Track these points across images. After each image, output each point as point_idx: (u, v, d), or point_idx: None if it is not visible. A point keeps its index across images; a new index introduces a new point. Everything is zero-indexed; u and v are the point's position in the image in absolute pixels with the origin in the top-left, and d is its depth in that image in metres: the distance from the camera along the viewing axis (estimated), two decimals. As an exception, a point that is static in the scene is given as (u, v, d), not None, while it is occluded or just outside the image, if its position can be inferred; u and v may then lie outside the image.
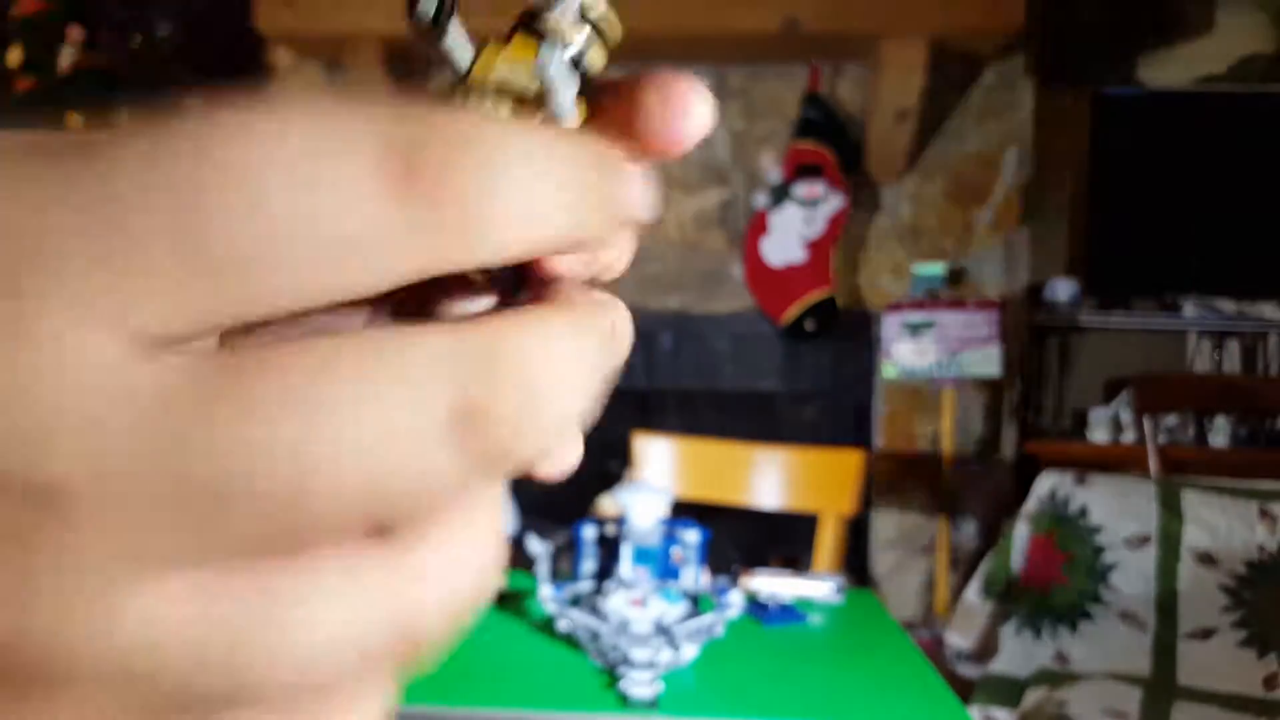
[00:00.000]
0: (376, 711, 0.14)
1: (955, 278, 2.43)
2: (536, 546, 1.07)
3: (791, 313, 2.37)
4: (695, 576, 0.99)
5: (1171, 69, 2.67)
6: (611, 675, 0.87)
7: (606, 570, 0.99)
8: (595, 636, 0.88)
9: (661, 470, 1.52)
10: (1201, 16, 2.67)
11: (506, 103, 0.18)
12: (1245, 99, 2.56)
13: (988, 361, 2.28)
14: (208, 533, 0.11)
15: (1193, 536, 1.69)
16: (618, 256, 0.20)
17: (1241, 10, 2.66)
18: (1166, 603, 1.67)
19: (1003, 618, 1.77)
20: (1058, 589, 1.73)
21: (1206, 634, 1.64)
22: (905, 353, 2.33)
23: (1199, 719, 1.45)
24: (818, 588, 1.14)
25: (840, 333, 2.43)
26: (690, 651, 0.89)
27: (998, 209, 2.42)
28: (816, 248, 2.37)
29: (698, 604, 0.95)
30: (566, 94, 0.18)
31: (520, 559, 1.15)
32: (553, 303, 0.15)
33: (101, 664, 0.12)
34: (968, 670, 1.84)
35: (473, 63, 0.18)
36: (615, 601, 0.89)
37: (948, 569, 2.37)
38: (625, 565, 0.95)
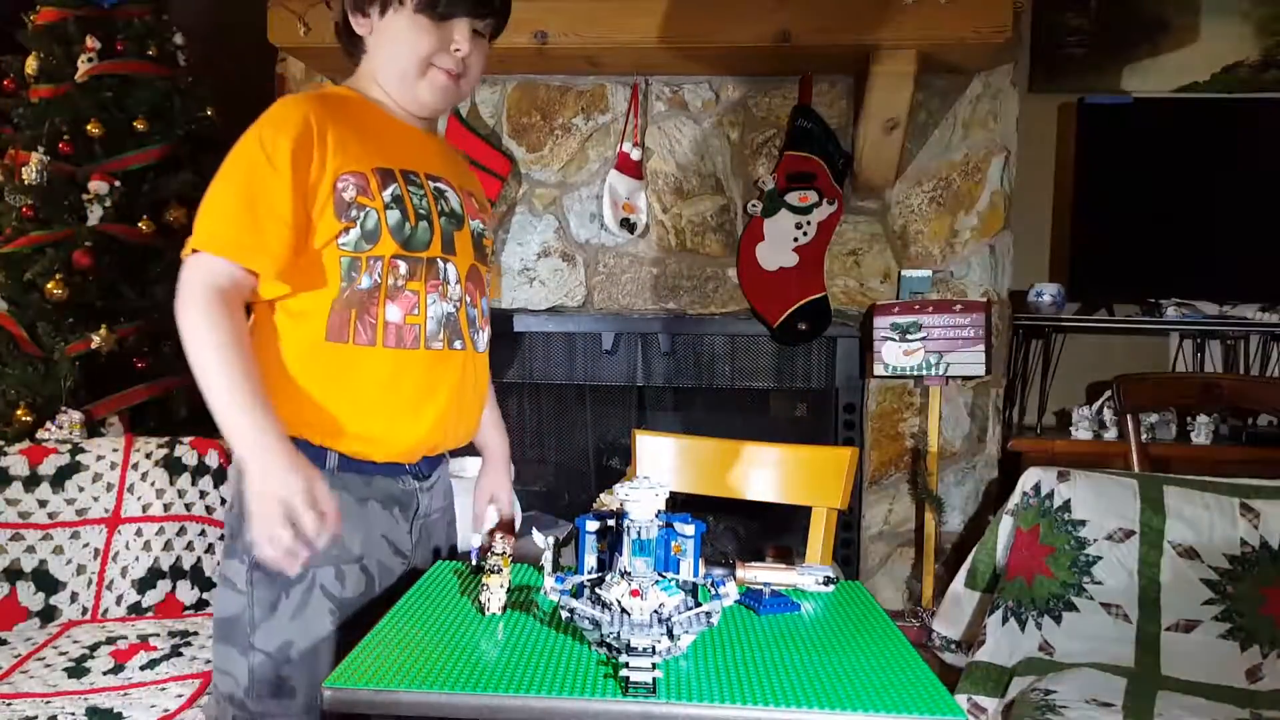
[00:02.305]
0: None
1: (942, 281, 2.47)
2: (540, 540, 1.09)
3: (785, 315, 2.41)
4: (692, 568, 1.00)
5: (1156, 77, 2.71)
6: (612, 663, 0.89)
7: (607, 562, 1.00)
8: (596, 625, 0.89)
9: (660, 466, 1.55)
10: (1186, 25, 2.70)
11: (496, 575, 1.03)
12: (1228, 106, 2.59)
13: (973, 362, 2.32)
14: None
15: (1175, 531, 1.70)
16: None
17: (1225, 19, 2.69)
18: (1149, 595, 1.68)
19: (988, 609, 1.79)
20: (1042, 581, 1.75)
21: (1189, 626, 1.65)
22: (894, 353, 2.37)
23: (1183, 709, 1.47)
24: (809, 579, 1.17)
25: (831, 334, 2.47)
26: (687, 640, 0.90)
27: (984, 214, 2.46)
28: (809, 253, 2.41)
29: (695, 594, 0.96)
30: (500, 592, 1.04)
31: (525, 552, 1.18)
32: None
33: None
34: (954, 659, 1.86)
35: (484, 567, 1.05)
36: (615, 592, 0.90)
37: (934, 561, 2.41)
38: (625, 557, 0.95)
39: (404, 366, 1.12)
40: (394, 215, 1.11)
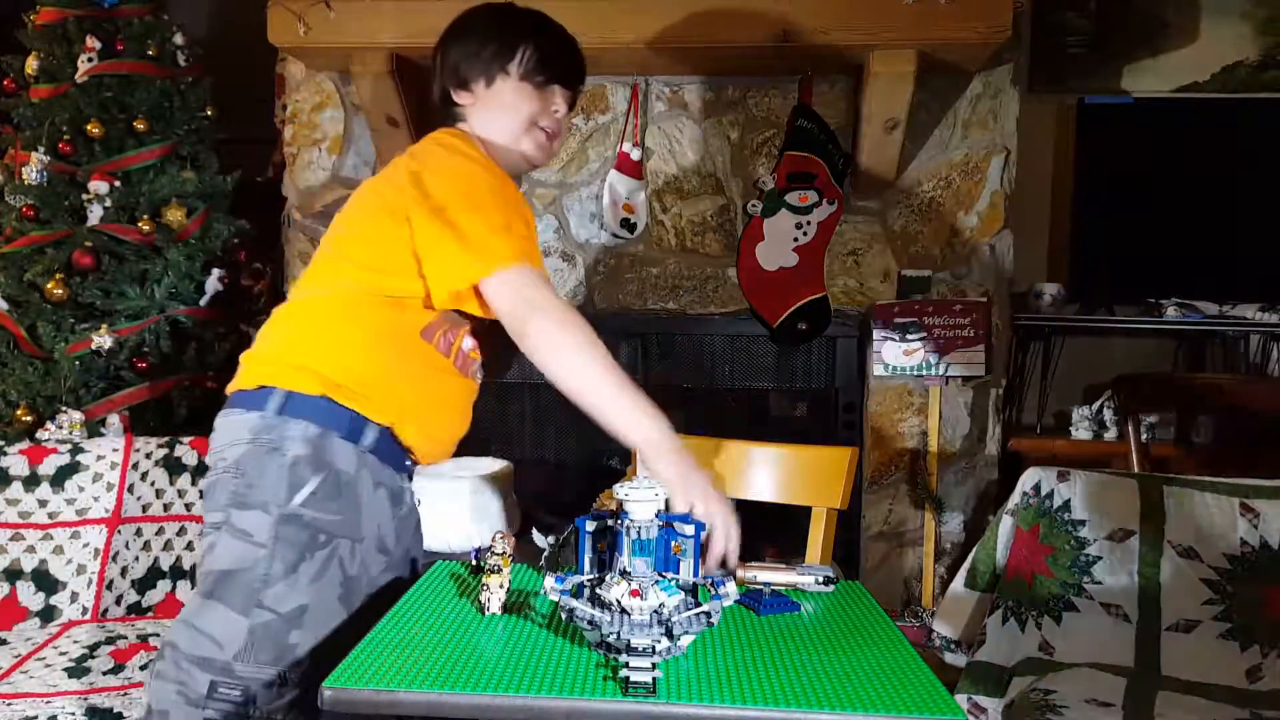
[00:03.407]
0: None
1: (942, 281, 2.47)
2: (540, 540, 1.09)
3: (785, 314, 2.41)
4: (693, 568, 1.00)
5: (1156, 77, 2.71)
6: (611, 663, 0.89)
7: (607, 562, 1.01)
8: (596, 625, 0.89)
9: (660, 467, 1.55)
10: (1186, 25, 2.70)
11: (496, 575, 1.03)
12: (1228, 106, 2.59)
13: (973, 362, 2.32)
14: None
15: (1175, 531, 1.70)
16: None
17: (1225, 19, 2.69)
18: (1149, 595, 1.68)
19: (988, 608, 1.79)
20: (1041, 581, 1.75)
21: (1189, 626, 1.65)
22: (894, 353, 2.37)
23: (1183, 709, 1.47)
24: (808, 578, 1.17)
25: (831, 334, 2.47)
26: (687, 640, 0.90)
27: (984, 214, 2.46)
28: (808, 252, 2.41)
29: (695, 594, 0.96)
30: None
31: (525, 552, 1.18)
32: None
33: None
34: (954, 659, 1.86)
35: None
36: (615, 592, 0.90)
37: (934, 561, 2.40)
38: (625, 557, 0.95)
39: (457, 388, 1.26)
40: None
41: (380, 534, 1.20)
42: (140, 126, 2.38)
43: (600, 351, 1.09)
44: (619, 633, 0.88)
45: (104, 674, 1.63)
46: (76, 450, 2.01)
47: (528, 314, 1.10)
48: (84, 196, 2.31)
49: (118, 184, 2.34)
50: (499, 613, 1.03)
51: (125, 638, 1.75)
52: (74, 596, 1.88)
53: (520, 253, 1.12)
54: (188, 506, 1.98)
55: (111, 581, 1.91)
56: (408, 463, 1.24)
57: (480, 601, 1.04)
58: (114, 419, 2.26)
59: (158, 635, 1.77)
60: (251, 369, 1.18)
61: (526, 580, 1.16)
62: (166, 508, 1.97)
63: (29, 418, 2.19)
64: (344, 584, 1.13)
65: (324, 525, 1.12)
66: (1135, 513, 1.74)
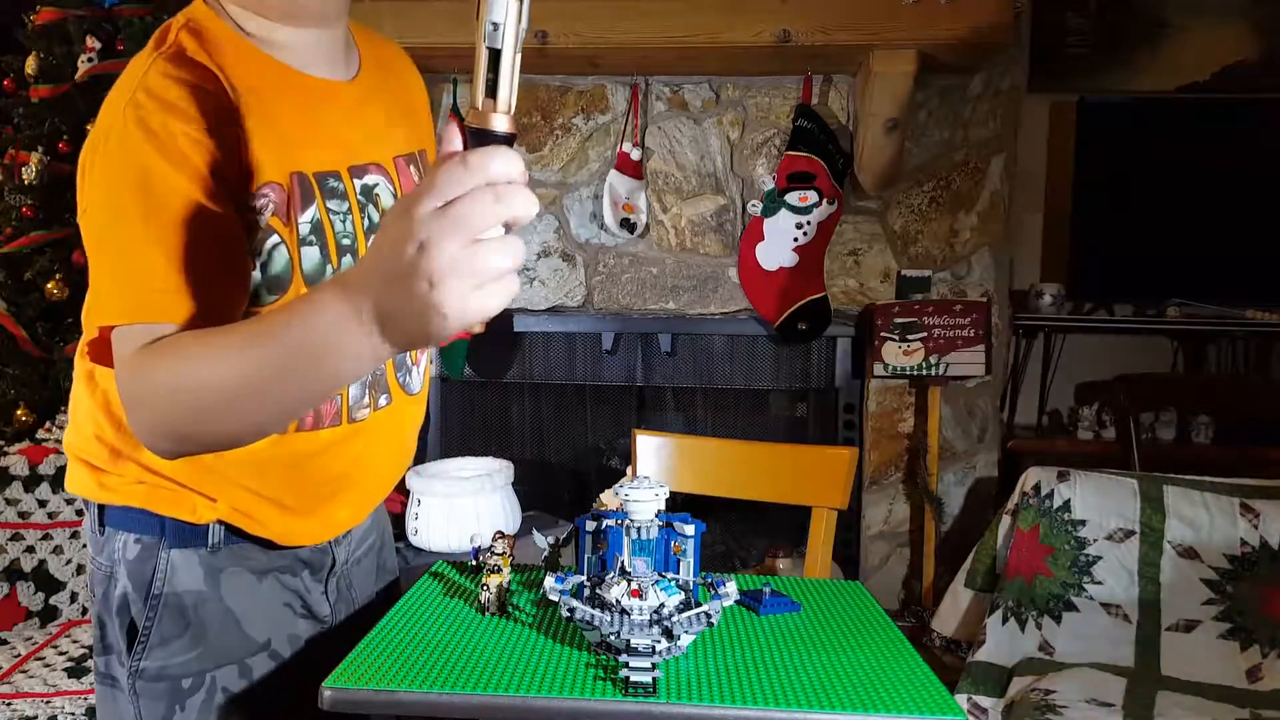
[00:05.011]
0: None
1: (942, 281, 2.47)
2: (540, 539, 1.09)
3: (785, 314, 2.41)
4: (693, 568, 0.99)
5: (1156, 77, 2.71)
6: (611, 663, 0.89)
7: (607, 562, 1.01)
8: (596, 625, 0.88)
9: (660, 466, 1.55)
10: (1186, 25, 2.70)
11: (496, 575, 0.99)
12: (1228, 106, 2.59)
13: (973, 362, 2.33)
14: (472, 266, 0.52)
15: (1175, 531, 1.72)
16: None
17: (1225, 19, 2.69)
18: (1149, 595, 1.69)
19: (988, 608, 1.80)
20: (1041, 581, 1.75)
21: (1189, 626, 1.66)
22: (894, 353, 2.37)
23: (1183, 709, 1.48)
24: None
25: (831, 334, 2.47)
26: (687, 640, 0.89)
27: (984, 214, 2.46)
28: (808, 252, 2.41)
29: (695, 594, 0.95)
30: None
31: (525, 552, 1.18)
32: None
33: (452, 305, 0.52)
34: (954, 659, 1.86)
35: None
36: (615, 592, 0.90)
37: (934, 561, 2.40)
38: (625, 557, 0.95)
39: (319, 451, 0.89)
40: (311, 254, 0.82)
41: (304, 608, 0.98)
42: (140, 126, 2.38)
43: (196, 360, 0.68)
44: (619, 633, 0.87)
45: (104, 674, 1.63)
46: (76, 450, 2.01)
47: (122, 393, 0.73)
48: (84, 196, 2.31)
49: (117, 184, 2.34)
50: (499, 613, 1.03)
51: (125, 638, 1.75)
52: (74, 596, 1.88)
53: (125, 311, 0.72)
54: (188, 506, 1.98)
55: (111, 581, 1.91)
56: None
57: (480, 601, 1.04)
58: (114, 419, 2.26)
59: (158, 635, 1.77)
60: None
61: (526, 580, 1.16)
62: (166, 508, 1.97)
63: (29, 418, 2.19)
64: (249, 709, 0.93)
65: (181, 669, 0.89)
66: (1135, 513, 1.74)
